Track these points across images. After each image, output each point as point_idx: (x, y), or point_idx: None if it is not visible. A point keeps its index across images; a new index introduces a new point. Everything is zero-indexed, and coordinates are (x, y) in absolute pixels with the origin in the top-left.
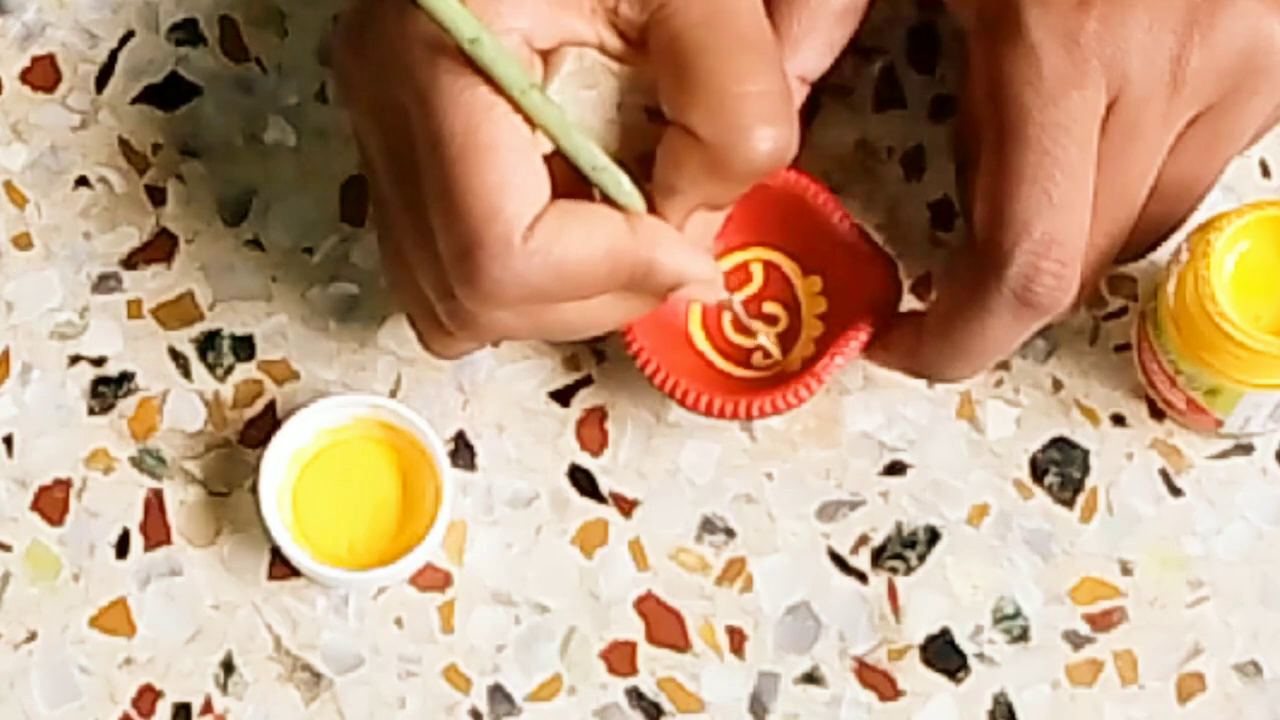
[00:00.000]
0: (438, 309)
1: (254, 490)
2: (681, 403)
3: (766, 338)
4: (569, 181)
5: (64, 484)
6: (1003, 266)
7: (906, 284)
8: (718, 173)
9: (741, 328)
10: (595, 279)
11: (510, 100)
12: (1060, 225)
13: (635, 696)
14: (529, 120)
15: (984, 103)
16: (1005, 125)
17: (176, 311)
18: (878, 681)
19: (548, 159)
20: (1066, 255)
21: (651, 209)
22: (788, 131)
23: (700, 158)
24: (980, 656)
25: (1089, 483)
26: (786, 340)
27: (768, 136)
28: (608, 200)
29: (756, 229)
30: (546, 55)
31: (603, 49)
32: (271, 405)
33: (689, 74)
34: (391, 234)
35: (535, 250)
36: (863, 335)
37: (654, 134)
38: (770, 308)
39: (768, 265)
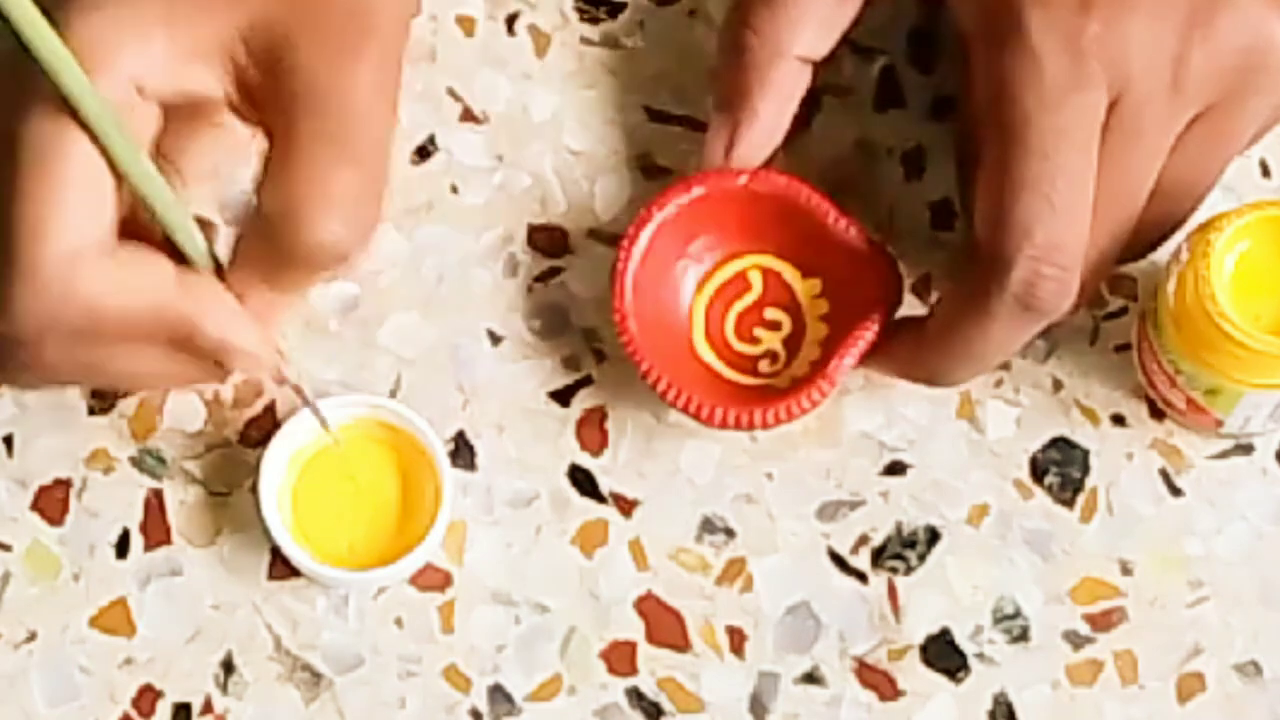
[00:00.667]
0: None
1: (254, 490)
2: (696, 416)
3: (772, 343)
4: (146, 229)
5: (64, 484)
6: (1005, 272)
7: (907, 283)
8: (276, 253)
9: (746, 336)
10: (130, 326)
11: (92, 134)
12: (1061, 230)
13: (635, 696)
14: (109, 162)
15: (985, 105)
16: (1006, 129)
17: None
18: (878, 681)
19: (132, 208)
20: (1068, 260)
21: (220, 277)
22: (351, 231)
23: (263, 234)
24: (980, 656)
25: (1089, 483)
26: (791, 345)
27: (326, 231)
28: (176, 253)
29: (753, 236)
30: (182, 111)
31: (231, 107)
32: (271, 405)
33: (276, 151)
34: None
35: (67, 282)
36: (869, 334)
37: (654, 134)
38: (772, 314)
39: (766, 272)
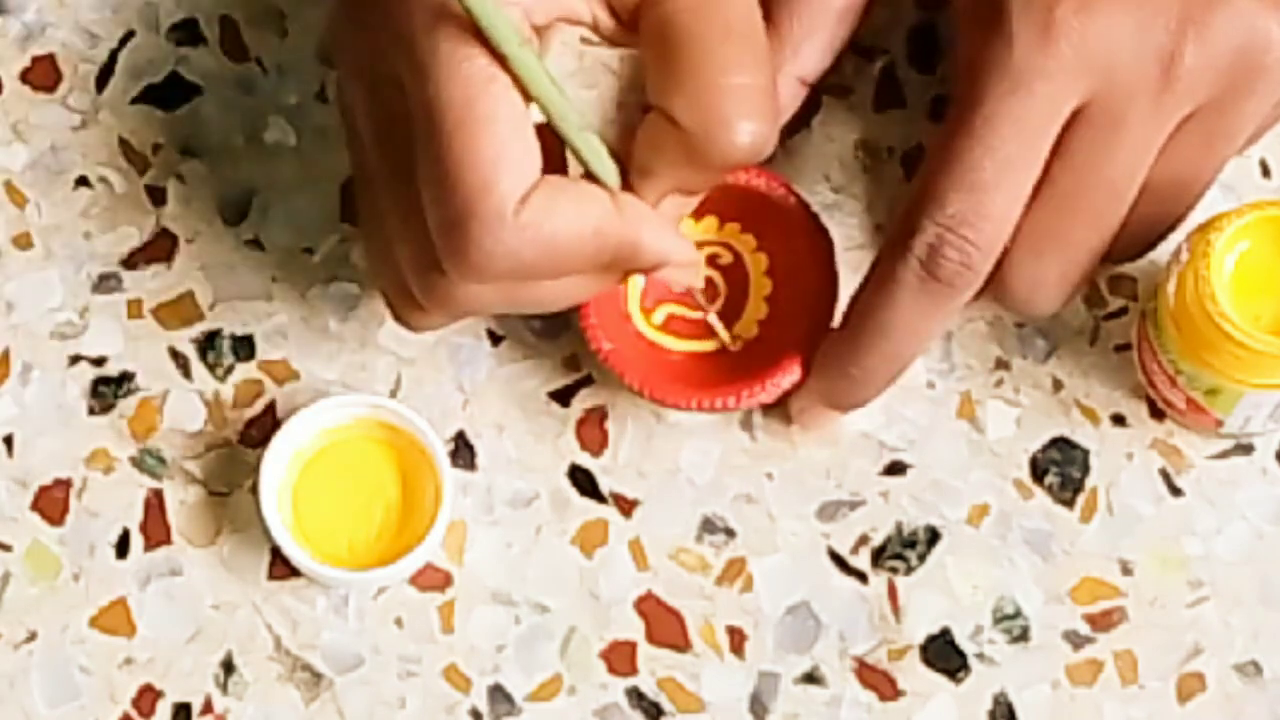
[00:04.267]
0: (413, 284)
1: (254, 490)
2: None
3: (715, 319)
4: (551, 156)
5: (64, 484)
6: (910, 235)
7: None
8: (694, 160)
9: (688, 301)
10: (582, 256)
11: (503, 58)
12: (976, 207)
13: (635, 696)
14: (521, 87)
15: (959, 87)
16: (961, 107)
17: (177, 311)
18: (878, 681)
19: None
20: (977, 238)
21: (625, 187)
22: (768, 126)
23: (679, 144)
24: (980, 656)
25: (1089, 483)
26: (726, 316)
27: (747, 130)
28: (587, 174)
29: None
30: (541, 32)
31: (596, 28)
32: (271, 405)
33: (674, 61)
34: (374, 208)
35: (527, 225)
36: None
37: None
38: (714, 277)
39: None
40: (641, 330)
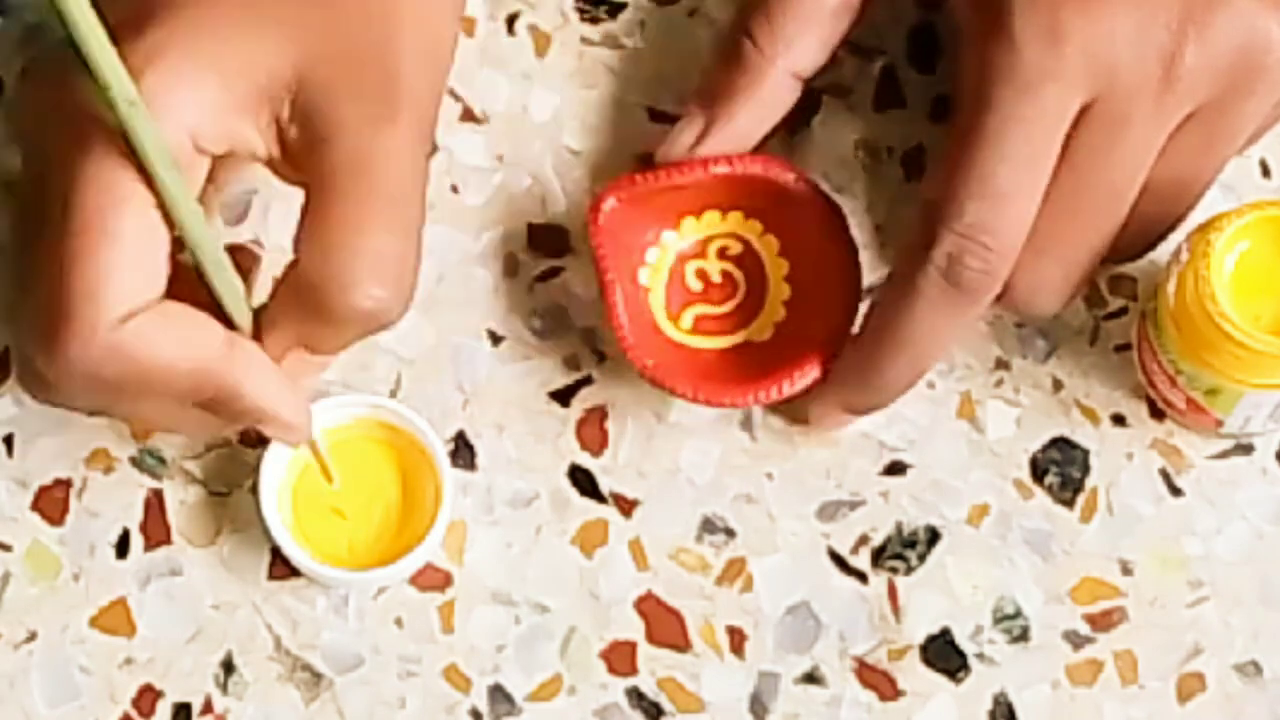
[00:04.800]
0: (26, 351)
1: (254, 490)
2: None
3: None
4: (191, 285)
5: (64, 484)
6: (930, 246)
7: None
8: (316, 315)
9: (703, 280)
10: (175, 387)
11: (150, 177)
12: (994, 214)
13: (635, 696)
14: (162, 205)
15: (965, 92)
16: (971, 112)
17: None
18: (878, 681)
19: (177, 260)
20: (996, 244)
21: (256, 335)
22: (392, 293)
23: (303, 296)
24: (980, 656)
25: (1089, 483)
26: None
27: (368, 294)
28: (218, 312)
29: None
30: (219, 162)
31: (269, 163)
32: None
33: (316, 212)
34: (16, 260)
35: (119, 344)
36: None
37: (654, 134)
38: (730, 270)
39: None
40: (674, 338)
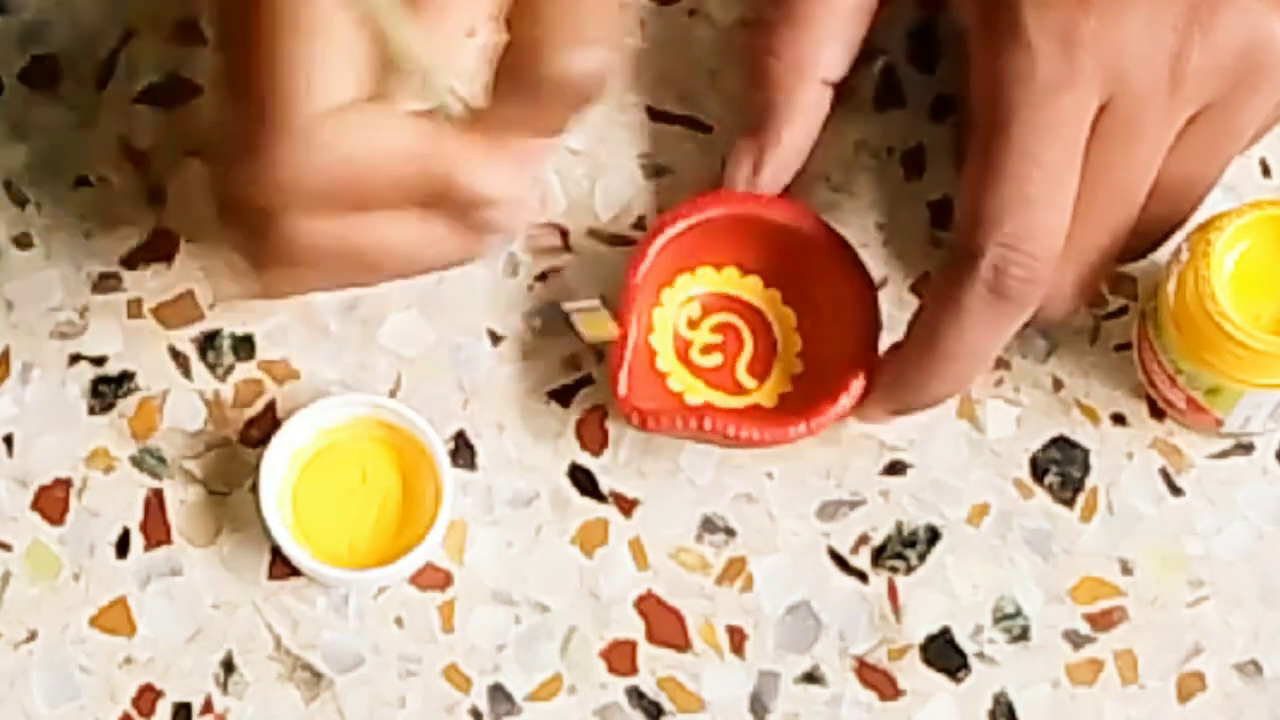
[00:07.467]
0: (242, 234)
1: (254, 490)
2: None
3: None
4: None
5: (64, 483)
6: (975, 259)
7: (905, 283)
8: (534, 88)
9: (706, 344)
10: (388, 181)
11: None
12: (1033, 222)
13: (635, 696)
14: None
15: (979, 101)
16: (993, 122)
17: (177, 311)
18: (878, 681)
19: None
20: (1038, 250)
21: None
22: (608, 54)
23: (517, 72)
24: (980, 656)
25: (1089, 482)
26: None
27: (587, 55)
28: (430, 111)
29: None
30: None
31: None
32: (271, 405)
33: None
34: (219, 149)
35: (326, 137)
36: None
37: (654, 134)
38: (727, 310)
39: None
40: (690, 401)
